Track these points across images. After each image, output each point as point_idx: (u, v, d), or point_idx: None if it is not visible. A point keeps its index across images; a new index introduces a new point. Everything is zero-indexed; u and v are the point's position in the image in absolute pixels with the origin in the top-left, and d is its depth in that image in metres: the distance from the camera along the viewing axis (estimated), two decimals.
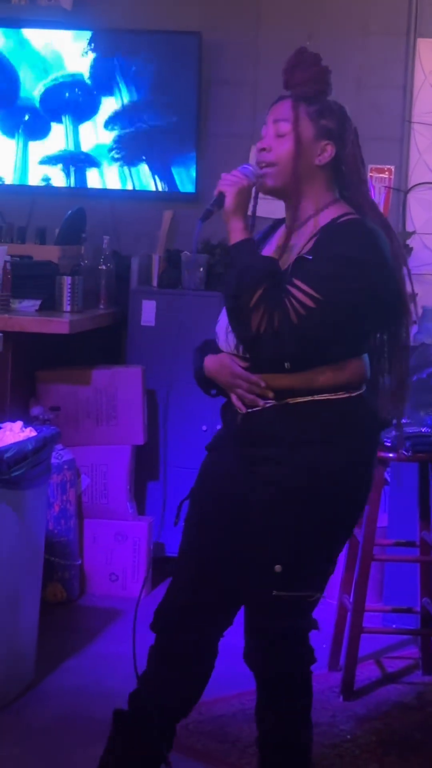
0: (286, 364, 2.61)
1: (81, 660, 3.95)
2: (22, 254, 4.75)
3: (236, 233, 2.64)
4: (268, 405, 2.65)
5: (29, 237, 5.05)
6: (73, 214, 4.97)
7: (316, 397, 2.64)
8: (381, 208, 4.79)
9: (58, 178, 5.21)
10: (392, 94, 4.98)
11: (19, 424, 3.73)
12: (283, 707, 2.76)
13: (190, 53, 5.04)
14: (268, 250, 2.75)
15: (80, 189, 5.19)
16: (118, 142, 5.15)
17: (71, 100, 5.16)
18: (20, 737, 3.38)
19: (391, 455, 3.77)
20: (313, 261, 2.58)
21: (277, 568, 2.63)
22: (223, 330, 2.73)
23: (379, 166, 4.90)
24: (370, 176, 4.88)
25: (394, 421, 2.80)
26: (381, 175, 4.89)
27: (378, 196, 4.89)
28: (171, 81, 5.08)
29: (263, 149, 2.69)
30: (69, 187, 5.21)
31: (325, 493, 2.64)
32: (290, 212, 2.73)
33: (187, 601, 2.78)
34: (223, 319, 2.73)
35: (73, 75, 5.15)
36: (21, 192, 5.23)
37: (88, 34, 5.11)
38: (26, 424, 3.75)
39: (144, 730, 2.79)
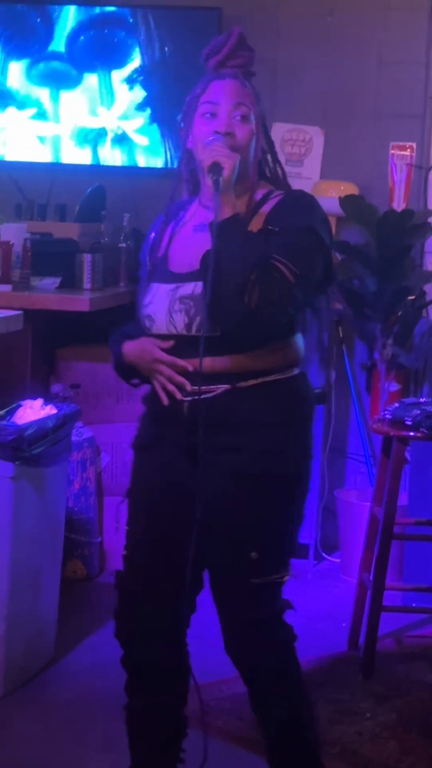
0: (245, 343, 2.57)
1: (100, 637, 3.96)
2: (42, 231, 4.76)
3: (228, 208, 2.55)
4: (217, 392, 2.59)
5: (49, 214, 5.05)
6: (93, 191, 4.97)
7: (267, 379, 2.60)
8: (402, 187, 4.86)
9: (79, 154, 5.20)
10: (414, 70, 4.94)
11: (40, 401, 3.74)
12: (275, 691, 2.74)
13: (210, 29, 5.01)
14: (186, 228, 2.70)
15: (100, 166, 5.18)
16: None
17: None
18: (40, 713, 3.40)
19: (412, 434, 3.77)
20: (283, 234, 2.55)
21: (254, 555, 2.60)
22: (163, 312, 2.63)
23: (400, 143, 4.87)
24: (392, 154, 4.86)
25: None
26: (402, 152, 4.86)
27: (399, 173, 4.86)
28: (191, 58, 5.05)
29: (228, 133, 2.62)
30: (89, 165, 5.20)
31: (287, 474, 2.63)
32: (211, 193, 2.61)
33: (146, 604, 2.72)
34: (159, 303, 2.64)
35: None
36: (41, 169, 5.22)
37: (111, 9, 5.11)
38: (46, 402, 3.76)
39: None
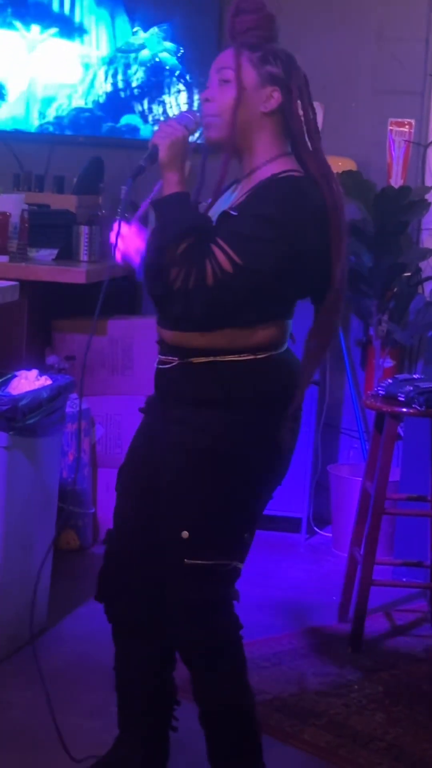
0: (182, 324, 2.53)
1: (92, 606, 3.91)
2: (39, 203, 4.75)
3: (170, 186, 2.51)
4: (173, 364, 2.59)
5: (47, 186, 5.04)
6: (91, 163, 4.96)
7: (218, 358, 2.53)
8: (401, 164, 4.86)
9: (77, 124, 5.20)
10: (413, 47, 4.94)
11: (35, 372, 3.74)
12: (210, 679, 2.69)
13: (211, 5, 5.01)
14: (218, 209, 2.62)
15: (98, 137, 5.18)
16: (140, 89, 5.13)
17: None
18: (31, 681, 3.40)
19: (404, 410, 3.79)
20: (237, 218, 2.47)
21: (184, 534, 2.54)
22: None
23: (399, 120, 4.87)
24: (390, 130, 4.86)
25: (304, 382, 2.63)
26: (401, 128, 4.87)
27: (398, 150, 4.87)
28: (191, 34, 5.05)
29: (206, 99, 2.57)
30: (87, 135, 5.19)
31: (227, 456, 2.55)
32: (242, 166, 2.59)
33: (130, 561, 2.74)
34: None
35: None
36: (39, 140, 5.22)
37: None
38: (41, 373, 3.76)
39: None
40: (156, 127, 2.57)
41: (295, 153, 2.56)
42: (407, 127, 4.89)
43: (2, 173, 5.10)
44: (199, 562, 2.56)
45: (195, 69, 5.04)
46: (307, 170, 2.53)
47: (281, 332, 2.58)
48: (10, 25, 5.20)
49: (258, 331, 2.54)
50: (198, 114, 2.60)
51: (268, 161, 2.54)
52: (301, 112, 2.55)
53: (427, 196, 4.79)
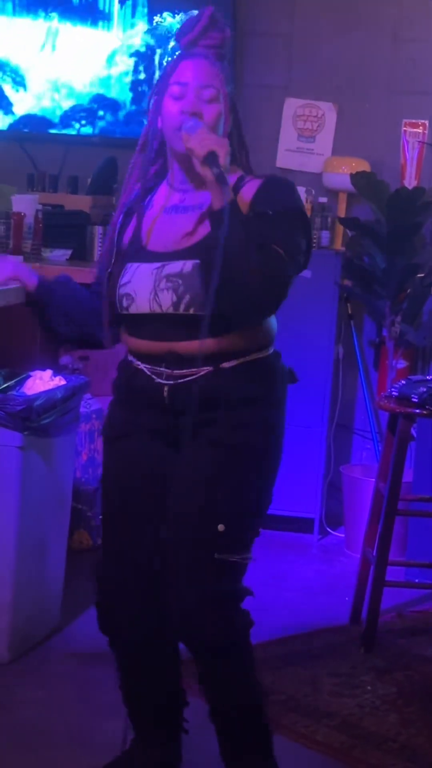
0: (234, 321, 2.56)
1: None
2: (53, 203, 4.77)
3: (225, 194, 2.49)
4: (201, 373, 2.59)
5: (61, 186, 5.05)
6: (105, 163, 4.97)
7: (248, 358, 2.60)
8: (415, 165, 4.86)
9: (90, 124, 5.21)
10: (428, 48, 4.94)
11: (49, 372, 3.76)
12: (226, 677, 2.70)
13: (223, 4, 5.01)
14: (153, 210, 2.69)
15: (112, 138, 5.18)
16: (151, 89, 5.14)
17: None
18: (45, 680, 3.43)
19: (418, 411, 3.79)
20: (276, 218, 2.54)
21: (220, 527, 2.57)
22: (147, 290, 2.59)
23: (413, 121, 4.87)
24: (404, 131, 4.86)
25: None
26: (415, 129, 4.86)
27: (411, 151, 4.87)
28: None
29: (195, 113, 2.59)
30: (101, 136, 5.20)
31: (259, 447, 2.63)
32: (184, 174, 2.65)
33: (127, 592, 2.74)
34: (141, 282, 2.60)
35: None
36: (53, 140, 5.23)
37: None
38: (55, 373, 3.77)
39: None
40: (191, 133, 2.55)
41: (237, 160, 2.68)
42: (421, 128, 4.89)
43: (17, 173, 5.11)
44: (229, 556, 2.60)
45: None
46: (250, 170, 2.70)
47: (275, 327, 2.70)
48: (31, 14, 5.20)
49: (266, 324, 2.65)
50: (194, 126, 2.59)
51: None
52: (240, 127, 2.71)
53: None
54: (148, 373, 2.64)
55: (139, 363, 2.66)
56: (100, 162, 4.97)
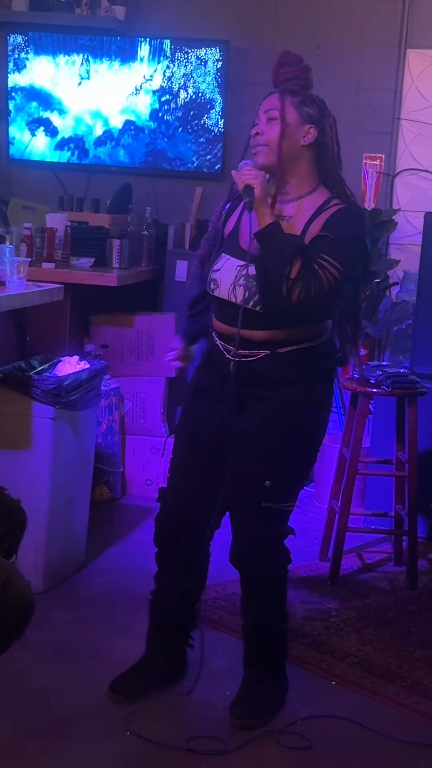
0: (293, 319, 2.57)
1: (122, 547, 4.01)
2: (80, 220, 4.75)
3: (266, 217, 2.54)
4: (261, 355, 2.61)
5: (86, 206, 5.04)
6: (122, 188, 4.95)
7: (301, 346, 2.61)
8: (373, 190, 4.85)
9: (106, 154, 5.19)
10: (385, 96, 4.93)
11: (76, 358, 3.76)
12: (263, 601, 2.75)
13: (218, 58, 5.00)
14: (233, 220, 2.70)
15: (128, 167, 5.16)
16: (160, 131, 5.12)
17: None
18: (73, 606, 3.44)
19: (374, 390, 3.80)
20: (334, 240, 2.53)
21: (267, 483, 2.61)
22: (229, 282, 2.61)
23: (372, 155, 4.86)
24: (365, 163, 4.85)
25: (352, 360, 2.79)
26: (374, 162, 4.86)
27: (371, 179, 4.86)
28: (202, 82, 5.04)
29: (257, 133, 2.63)
30: (119, 166, 5.18)
31: (305, 422, 2.64)
32: (279, 185, 2.64)
33: (181, 515, 2.78)
34: (227, 273, 2.62)
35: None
36: (80, 169, 5.22)
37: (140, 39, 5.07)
38: (81, 359, 3.77)
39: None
40: (238, 170, 2.60)
41: (325, 179, 2.65)
42: (378, 161, 4.88)
43: (50, 196, 5.11)
44: (274, 505, 2.64)
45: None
46: (347, 197, 2.63)
47: (329, 320, 2.70)
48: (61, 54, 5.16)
49: (326, 321, 2.66)
50: (252, 162, 2.63)
51: (310, 191, 2.63)
52: (332, 150, 2.66)
53: (394, 217, 4.78)
54: (221, 349, 2.68)
55: (217, 339, 2.71)
56: (118, 187, 4.96)
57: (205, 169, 5.09)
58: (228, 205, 2.77)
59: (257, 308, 2.58)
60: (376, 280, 4.71)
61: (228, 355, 2.65)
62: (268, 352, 2.61)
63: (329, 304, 2.59)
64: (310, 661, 3.16)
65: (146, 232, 4.87)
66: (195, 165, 5.09)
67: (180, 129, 5.07)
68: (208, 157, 5.07)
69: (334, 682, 3.03)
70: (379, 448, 4.32)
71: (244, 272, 2.60)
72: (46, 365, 3.69)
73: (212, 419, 2.71)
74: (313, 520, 4.43)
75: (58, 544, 3.55)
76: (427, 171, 4.91)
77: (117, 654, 3.08)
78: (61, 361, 3.72)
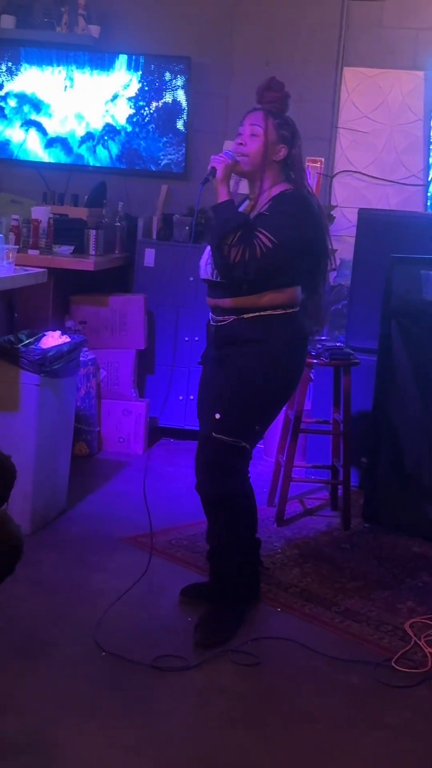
0: (243, 287, 2.65)
1: (98, 495, 4.00)
2: (61, 213, 4.71)
3: (222, 196, 2.70)
4: (230, 320, 2.71)
5: (66, 201, 4.99)
6: (98, 185, 4.91)
7: (262, 313, 2.69)
8: (314, 188, 4.84)
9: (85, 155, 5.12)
10: (324, 107, 4.91)
11: (58, 332, 3.73)
12: (213, 526, 2.82)
13: (182, 72, 4.94)
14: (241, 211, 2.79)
15: (103, 168, 5.10)
16: (134, 132, 5.06)
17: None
18: (56, 546, 3.43)
19: (315, 361, 3.81)
20: (269, 215, 2.65)
21: (217, 416, 2.70)
22: (203, 263, 2.78)
23: (314, 158, 4.85)
24: (308, 165, 4.83)
25: (316, 335, 2.90)
26: (315, 164, 4.85)
27: (312, 179, 4.84)
28: (166, 93, 4.99)
29: (241, 143, 2.75)
30: (95, 166, 5.12)
31: (253, 372, 2.70)
32: (252, 188, 2.79)
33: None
34: (205, 258, 2.77)
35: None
36: (61, 168, 5.15)
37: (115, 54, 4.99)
38: (63, 333, 3.75)
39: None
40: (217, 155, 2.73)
41: (295, 184, 2.76)
42: (319, 163, 4.87)
43: (35, 192, 5.04)
44: (223, 437, 2.70)
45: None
46: (299, 189, 2.74)
47: (297, 294, 2.75)
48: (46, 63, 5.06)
49: (285, 292, 2.70)
50: (232, 153, 2.75)
51: (272, 185, 2.75)
52: (299, 162, 2.79)
53: (332, 213, 4.79)
54: (210, 318, 2.81)
55: (209, 312, 2.83)
56: (94, 184, 4.91)
57: (172, 169, 5.05)
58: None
59: (218, 279, 2.71)
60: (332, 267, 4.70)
61: (212, 323, 2.79)
62: (235, 317, 2.70)
63: (265, 269, 2.62)
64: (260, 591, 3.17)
65: (119, 224, 4.83)
66: (164, 163, 5.04)
67: (152, 131, 5.02)
68: (175, 156, 5.02)
69: (279, 609, 3.05)
70: (319, 410, 4.34)
71: (211, 253, 2.74)
72: (32, 339, 3.65)
73: (206, 379, 2.85)
74: (262, 471, 4.45)
75: (43, 493, 3.54)
76: (360, 172, 4.91)
77: (93, 588, 3.08)
78: (45, 335, 3.69)
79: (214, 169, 2.71)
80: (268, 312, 2.69)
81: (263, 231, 2.62)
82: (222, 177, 2.69)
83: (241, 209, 2.80)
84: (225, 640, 2.76)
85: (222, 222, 2.64)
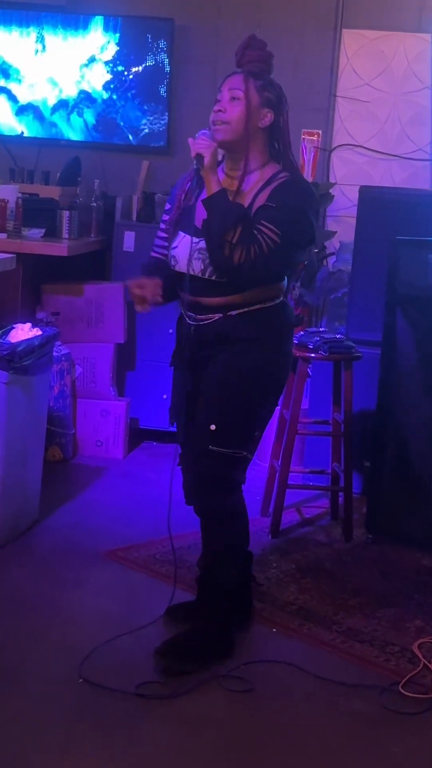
0: (244, 285, 2.63)
1: (73, 505, 4.00)
2: (30, 192, 4.69)
3: (214, 185, 2.62)
4: (215, 318, 2.67)
5: (36, 178, 4.97)
6: (71, 161, 4.90)
7: (251, 308, 2.67)
8: (311, 164, 4.85)
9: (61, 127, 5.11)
10: (322, 74, 4.92)
11: (28, 325, 3.72)
12: (208, 534, 2.81)
13: (164, 36, 4.94)
14: (204, 192, 2.71)
15: (77, 141, 5.09)
16: (111, 100, 5.05)
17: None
18: (27, 560, 3.43)
19: (312, 355, 3.82)
20: (276, 209, 2.60)
21: (212, 427, 2.68)
22: (185, 258, 2.68)
23: (310, 131, 4.86)
24: (303, 138, 4.85)
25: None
26: (311, 137, 4.86)
27: (308, 154, 4.86)
28: (148, 58, 4.98)
29: (219, 110, 2.67)
30: (68, 139, 5.11)
31: (254, 373, 2.69)
32: (233, 163, 2.71)
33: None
34: (183, 249, 2.69)
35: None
36: (30, 142, 5.13)
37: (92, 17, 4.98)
38: (33, 325, 3.74)
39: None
40: (194, 139, 2.66)
41: (276, 157, 2.71)
42: (316, 136, 4.88)
43: (0, 168, 5.02)
44: (220, 449, 2.68)
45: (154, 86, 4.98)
46: (293, 172, 2.70)
47: (284, 285, 2.76)
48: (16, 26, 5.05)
49: (277, 285, 2.70)
50: (209, 132, 2.67)
51: (263, 165, 2.69)
52: (286, 132, 2.72)
53: (331, 191, 4.80)
54: (185, 317, 2.76)
55: (182, 309, 2.78)
56: (67, 160, 4.90)
57: (153, 141, 5.04)
58: (189, 184, 2.79)
59: (213, 277, 2.65)
60: (315, 251, 4.72)
61: (190, 321, 2.74)
62: (221, 315, 2.68)
63: (272, 266, 2.62)
64: (253, 610, 3.17)
65: (95, 204, 4.82)
66: (144, 133, 5.02)
67: (131, 98, 5.01)
68: (157, 125, 5.01)
69: (274, 630, 3.06)
70: (317, 409, 4.35)
71: (197, 247, 2.66)
72: (0, 332, 3.65)
73: (182, 385, 2.80)
74: (255, 478, 4.44)
75: (13, 502, 3.54)
76: (361, 146, 4.92)
77: (68, 606, 3.08)
78: (13, 328, 3.68)
79: (200, 156, 2.62)
80: (257, 306, 2.68)
81: (268, 224, 2.58)
82: (211, 164, 2.61)
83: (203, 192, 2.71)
84: (193, 670, 2.73)
85: (219, 217, 2.57)
